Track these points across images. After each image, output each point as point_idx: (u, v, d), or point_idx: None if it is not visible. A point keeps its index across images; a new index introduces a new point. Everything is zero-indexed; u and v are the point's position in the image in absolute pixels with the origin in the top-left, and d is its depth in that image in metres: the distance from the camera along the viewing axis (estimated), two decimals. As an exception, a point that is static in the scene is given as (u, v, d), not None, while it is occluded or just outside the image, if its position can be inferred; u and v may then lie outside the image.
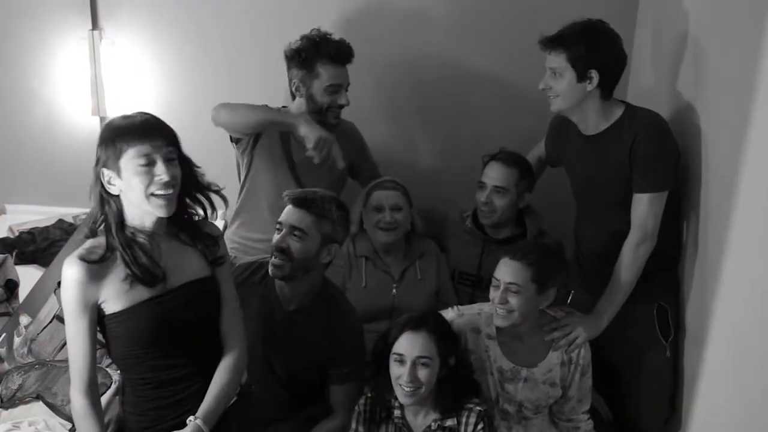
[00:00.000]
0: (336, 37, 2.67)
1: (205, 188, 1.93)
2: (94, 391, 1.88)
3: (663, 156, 2.29)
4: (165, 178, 1.78)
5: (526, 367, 2.26)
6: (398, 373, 2.09)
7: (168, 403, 1.94)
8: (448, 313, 2.32)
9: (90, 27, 3.04)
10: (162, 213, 1.82)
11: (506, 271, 2.19)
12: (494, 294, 2.21)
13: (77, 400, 1.86)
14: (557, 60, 2.28)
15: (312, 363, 2.27)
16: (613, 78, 2.32)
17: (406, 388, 2.07)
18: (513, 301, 2.17)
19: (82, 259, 1.81)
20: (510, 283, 2.17)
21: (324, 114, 2.68)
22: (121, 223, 1.84)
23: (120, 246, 1.82)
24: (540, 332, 2.28)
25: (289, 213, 2.23)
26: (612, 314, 2.34)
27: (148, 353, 1.89)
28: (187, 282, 1.92)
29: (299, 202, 2.22)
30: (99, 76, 3.09)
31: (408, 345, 2.09)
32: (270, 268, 2.21)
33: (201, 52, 3.14)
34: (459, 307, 2.38)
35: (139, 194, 1.79)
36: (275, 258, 2.20)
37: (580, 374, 2.28)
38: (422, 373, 2.07)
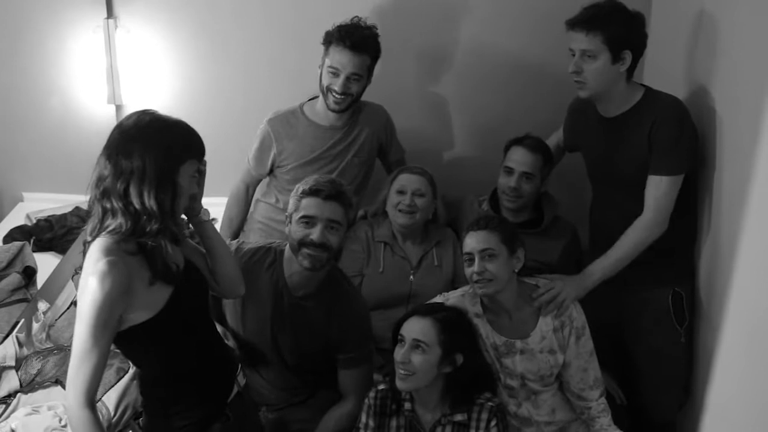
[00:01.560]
0: (369, 24, 2.67)
1: None
2: (94, 402, 1.72)
3: (681, 139, 2.27)
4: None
5: (519, 339, 2.25)
6: (396, 354, 2.10)
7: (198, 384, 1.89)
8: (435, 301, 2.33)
9: (105, 15, 3.06)
10: None
11: (476, 240, 2.21)
12: (470, 268, 2.21)
13: (83, 413, 1.66)
14: (593, 42, 2.24)
15: (319, 348, 2.28)
16: (638, 59, 2.31)
17: (399, 370, 2.07)
18: (491, 267, 2.18)
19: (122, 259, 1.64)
20: (484, 250, 2.19)
21: (325, 95, 2.69)
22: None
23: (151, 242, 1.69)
24: (525, 302, 2.27)
25: (322, 207, 2.17)
26: (601, 277, 2.33)
27: (183, 345, 1.83)
28: (184, 267, 1.84)
29: (332, 197, 2.19)
30: (114, 64, 3.11)
31: (408, 326, 2.11)
32: (305, 261, 2.16)
33: (216, 40, 3.15)
34: (444, 293, 2.39)
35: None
36: (315, 252, 2.15)
37: (575, 337, 2.26)
38: (416, 358, 2.06)
